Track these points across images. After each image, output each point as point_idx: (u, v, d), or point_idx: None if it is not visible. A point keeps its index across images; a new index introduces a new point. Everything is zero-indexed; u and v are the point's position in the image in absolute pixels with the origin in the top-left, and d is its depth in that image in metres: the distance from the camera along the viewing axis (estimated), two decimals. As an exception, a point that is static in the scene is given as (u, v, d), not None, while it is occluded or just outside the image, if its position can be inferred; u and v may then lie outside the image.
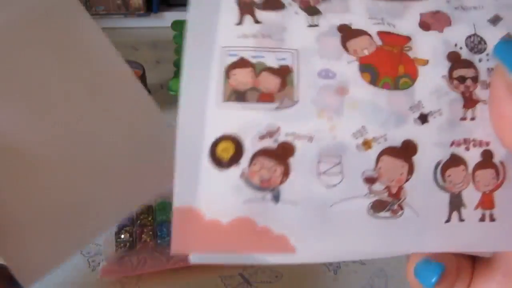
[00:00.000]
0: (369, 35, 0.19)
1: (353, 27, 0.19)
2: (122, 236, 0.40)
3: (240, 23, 0.18)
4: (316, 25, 0.19)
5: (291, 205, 0.18)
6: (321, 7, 0.19)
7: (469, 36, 0.19)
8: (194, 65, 0.18)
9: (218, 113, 0.18)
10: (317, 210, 0.18)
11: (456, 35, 0.19)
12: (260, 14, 0.19)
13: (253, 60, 0.18)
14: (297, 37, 0.19)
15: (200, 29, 0.18)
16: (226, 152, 0.17)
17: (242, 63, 0.18)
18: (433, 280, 0.18)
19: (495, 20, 0.19)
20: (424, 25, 0.19)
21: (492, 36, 0.19)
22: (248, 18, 0.19)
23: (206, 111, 0.17)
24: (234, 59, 0.18)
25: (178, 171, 0.17)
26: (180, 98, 0.17)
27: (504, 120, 0.17)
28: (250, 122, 0.18)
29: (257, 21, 0.19)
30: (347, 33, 0.19)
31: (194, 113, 0.18)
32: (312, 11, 0.19)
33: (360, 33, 0.19)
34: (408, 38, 0.19)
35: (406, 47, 0.19)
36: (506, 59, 0.17)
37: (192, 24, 0.18)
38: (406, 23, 0.19)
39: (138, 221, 0.40)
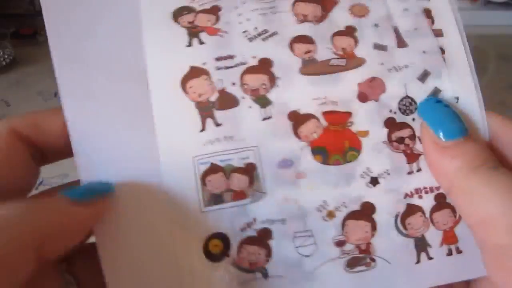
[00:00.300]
0: (316, 118, 0.21)
1: (301, 112, 0.21)
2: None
3: (203, 129, 0.21)
4: (269, 117, 0.21)
5: (279, 279, 0.20)
6: (271, 95, 0.21)
7: (401, 99, 0.22)
8: (173, 176, 0.20)
9: (203, 217, 0.20)
10: (303, 277, 0.21)
11: (390, 101, 0.22)
12: (219, 115, 0.21)
13: (222, 164, 0.21)
14: (255, 134, 0.21)
15: (171, 140, 0.21)
16: (217, 248, 0.20)
17: (213, 169, 0.21)
18: None
19: (423, 76, 0.22)
20: (362, 97, 0.22)
21: (420, 94, 0.22)
22: (209, 122, 0.21)
23: (192, 217, 0.20)
24: (206, 167, 0.21)
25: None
26: (169, 205, 0.20)
27: (436, 170, 0.19)
28: (230, 219, 0.20)
29: (217, 124, 0.21)
30: (297, 120, 0.21)
31: (182, 220, 0.20)
32: (264, 102, 0.21)
33: (308, 117, 0.21)
34: (349, 114, 0.21)
35: (349, 122, 0.21)
36: (427, 118, 0.20)
37: (163, 135, 0.20)
38: (347, 98, 0.21)
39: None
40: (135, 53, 0.21)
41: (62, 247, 0.17)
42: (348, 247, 0.21)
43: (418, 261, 0.21)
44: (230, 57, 0.22)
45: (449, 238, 0.22)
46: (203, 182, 0.20)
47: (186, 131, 0.21)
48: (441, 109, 0.20)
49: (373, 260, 0.21)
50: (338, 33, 0.22)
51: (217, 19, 0.22)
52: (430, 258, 0.22)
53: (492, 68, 0.72)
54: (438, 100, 0.21)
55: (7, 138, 0.17)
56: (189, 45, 0.22)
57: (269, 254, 0.21)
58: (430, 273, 0.21)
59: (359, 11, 0.22)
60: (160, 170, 0.20)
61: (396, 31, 0.22)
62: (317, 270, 0.21)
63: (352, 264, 0.21)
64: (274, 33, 0.22)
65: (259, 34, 0.22)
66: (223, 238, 0.20)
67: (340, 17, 0.22)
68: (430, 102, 0.21)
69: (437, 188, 0.21)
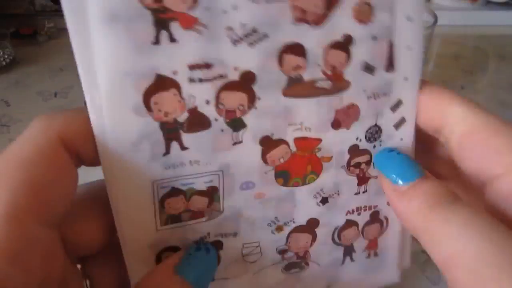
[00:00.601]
0: (287, 143, 0.20)
1: (274, 137, 0.20)
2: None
3: (167, 152, 0.18)
4: (240, 142, 0.19)
5: (232, 279, 0.23)
6: (247, 117, 0.19)
7: (369, 128, 0.21)
8: (129, 200, 0.19)
9: (158, 235, 0.20)
10: (251, 278, 0.23)
11: (359, 130, 0.21)
12: (186, 138, 0.18)
13: (184, 188, 0.19)
14: (222, 159, 0.19)
15: (129, 164, 0.18)
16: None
17: (174, 193, 0.19)
18: None
19: (396, 106, 0.21)
20: (336, 124, 0.21)
21: (388, 123, 0.22)
22: (174, 145, 0.18)
23: (147, 235, 0.20)
24: (166, 190, 0.19)
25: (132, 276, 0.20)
26: (122, 225, 0.19)
27: (399, 215, 0.20)
28: (184, 235, 0.21)
29: (183, 148, 0.19)
30: (267, 146, 0.20)
31: (138, 237, 0.20)
32: (237, 125, 0.19)
33: (279, 143, 0.20)
34: (319, 140, 0.21)
35: (317, 149, 0.21)
36: (383, 168, 0.21)
37: (121, 161, 0.18)
38: (321, 124, 0.21)
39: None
40: (84, 52, 0.16)
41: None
42: (289, 254, 0.23)
43: (342, 263, 0.25)
44: (208, 66, 0.17)
45: (371, 245, 0.25)
46: (162, 205, 0.19)
47: (146, 154, 0.18)
48: (393, 157, 0.21)
49: (307, 264, 0.24)
50: (334, 46, 0.19)
51: (194, 1, 0.17)
52: (352, 261, 0.25)
53: (492, 68, 0.72)
54: (390, 149, 0.21)
55: (55, 147, 0.17)
56: (156, 41, 0.16)
57: (218, 261, 0.22)
58: (349, 271, 0.25)
59: (364, 14, 0.19)
60: (116, 194, 0.18)
61: (390, 48, 0.20)
62: (261, 271, 0.23)
63: (288, 267, 0.24)
64: (265, 36, 0.18)
65: (246, 36, 0.18)
66: (176, 250, 0.21)
67: (341, 20, 0.19)
68: (383, 153, 0.21)
69: (375, 207, 0.24)
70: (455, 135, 0.19)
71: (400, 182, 0.19)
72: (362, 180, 0.23)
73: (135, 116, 0.17)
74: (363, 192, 0.23)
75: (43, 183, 0.16)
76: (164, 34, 0.16)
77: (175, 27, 0.16)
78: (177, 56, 0.17)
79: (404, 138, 0.22)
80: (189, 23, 0.17)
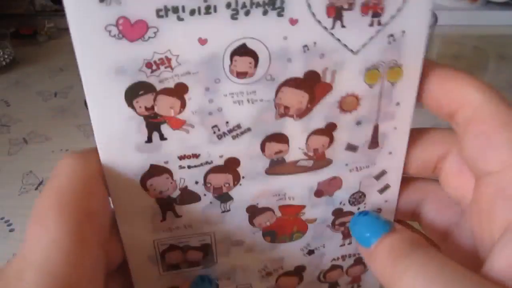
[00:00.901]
0: (272, 210, 0.22)
1: (259, 206, 0.22)
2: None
3: (164, 219, 0.21)
4: (228, 210, 0.22)
5: None
6: (233, 192, 0.21)
7: (353, 194, 0.23)
8: (136, 254, 0.22)
9: (161, 277, 0.23)
10: None
11: (343, 196, 0.23)
12: (179, 208, 0.21)
13: (180, 245, 0.22)
14: (213, 223, 0.22)
15: (133, 229, 0.21)
16: None
17: (172, 248, 0.22)
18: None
19: (380, 175, 0.22)
20: (318, 193, 0.22)
21: (372, 189, 0.23)
22: (169, 214, 0.21)
23: (153, 277, 0.23)
24: (165, 247, 0.22)
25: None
26: (133, 269, 0.22)
27: (376, 275, 0.20)
28: (185, 277, 0.23)
29: (177, 215, 0.21)
30: (253, 213, 0.22)
31: (145, 279, 0.23)
32: (225, 198, 0.21)
33: (264, 210, 0.22)
34: (303, 207, 0.23)
35: (301, 213, 0.23)
36: (354, 235, 0.22)
37: (123, 223, 0.21)
38: (304, 195, 0.22)
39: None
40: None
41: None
42: None
43: None
44: (195, 156, 0.20)
45: (355, 279, 0.26)
46: (163, 257, 0.23)
47: (147, 220, 0.21)
48: (360, 220, 0.21)
49: None
50: (316, 132, 0.20)
51: (183, 105, 0.18)
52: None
53: (492, 68, 0.72)
54: (359, 213, 0.22)
55: (98, 180, 0.19)
56: (149, 141, 0.19)
57: None
58: None
59: (349, 105, 0.20)
60: (129, 250, 0.22)
61: (375, 130, 0.21)
62: None
63: None
64: (248, 130, 0.19)
65: (230, 131, 0.19)
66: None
67: (325, 111, 0.20)
68: (353, 219, 0.22)
69: (358, 254, 0.25)
70: (462, 122, 0.18)
71: (367, 244, 0.20)
72: (347, 235, 0.24)
73: (136, 195, 0.20)
74: (348, 244, 0.24)
75: (96, 211, 0.18)
76: (155, 135, 0.19)
77: (165, 128, 0.19)
78: (167, 150, 0.19)
79: (389, 200, 0.23)
80: (178, 125, 0.19)
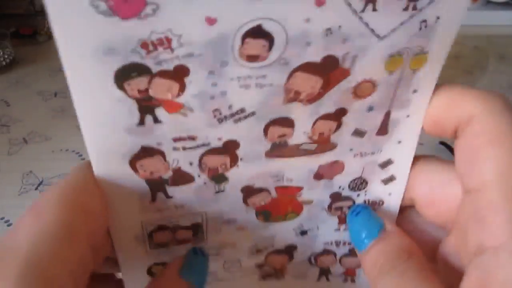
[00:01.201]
0: (268, 191, 0.21)
1: (255, 186, 0.21)
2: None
3: (153, 200, 0.20)
4: (222, 191, 0.20)
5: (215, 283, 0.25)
6: (229, 173, 0.20)
7: (354, 180, 0.21)
8: (123, 231, 0.21)
9: (148, 253, 0.22)
10: (230, 285, 0.25)
11: (342, 181, 0.21)
12: (170, 189, 0.20)
13: (170, 224, 0.21)
14: (205, 203, 0.21)
15: (121, 209, 0.20)
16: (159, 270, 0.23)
17: (160, 229, 0.21)
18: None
19: (385, 164, 0.21)
20: (318, 176, 0.21)
21: (376, 177, 0.21)
22: (160, 195, 0.20)
23: (140, 255, 0.22)
24: (153, 227, 0.21)
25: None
26: (118, 246, 0.21)
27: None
28: (173, 254, 0.22)
29: (168, 196, 0.20)
30: (248, 193, 0.21)
31: (132, 256, 0.22)
32: (220, 179, 0.20)
33: (260, 190, 0.21)
34: (300, 188, 0.21)
35: (297, 194, 0.22)
36: (350, 234, 0.22)
37: (112, 204, 0.19)
38: (303, 177, 0.21)
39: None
40: None
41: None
42: (266, 268, 0.25)
43: (318, 280, 0.26)
44: (192, 138, 0.18)
45: (349, 272, 0.25)
46: (150, 236, 0.21)
47: (134, 201, 0.20)
48: (354, 220, 0.21)
49: (283, 276, 0.25)
50: (324, 117, 0.19)
51: (182, 88, 0.16)
52: (328, 280, 0.25)
53: (492, 68, 0.72)
54: (356, 212, 0.22)
55: (94, 186, 0.19)
56: (141, 123, 0.17)
57: None
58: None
59: (364, 91, 0.18)
60: (113, 224, 0.20)
61: (386, 116, 0.19)
62: (237, 280, 0.25)
63: (265, 277, 0.25)
64: (252, 114, 0.18)
65: (232, 115, 0.18)
66: (163, 264, 0.23)
67: (336, 97, 0.18)
68: (348, 217, 0.22)
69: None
70: (458, 136, 0.18)
71: (359, 247, 0.20)
72: (343, 220, 0.23)
73: (124, 175, 0.19)
74: (344, 230, 0.23)
75: (93, 211, 0.18)
76: (148, 118, 0.17)
77: (160, 111, 0.17)
78: (160, 132, 0.18)
79: (393, 194, 0.21)
80: (175, 108, 0.17)
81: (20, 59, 0.73)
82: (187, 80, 0.16)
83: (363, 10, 0.16)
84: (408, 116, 0.19)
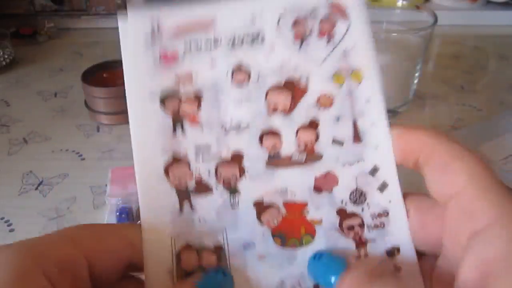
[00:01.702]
0: (277, 207, 0.25)
1: (264, 201, 0.25)
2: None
3: (181, 210, 0.24)
4: (237, 204, 0.25)
5: None
6: (240, 184, 0.25)
7: (352, 192, 0.25)
8: (153, 252, 0.24)
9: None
10: None
11: (342, 193, 0.25)
12: (195, 199, 0.25)
13: (196, 244, 0.24)
14: (225, 220, 0.25)
15: (153, 221, 0.24)
16: None
17: (188, 247, 0.24)
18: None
19: (373, 171, 0.25)
20: (317, 188, 0.25)
21: (371, 187, 0.25)
22: (186, 205, 0.25)
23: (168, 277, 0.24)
24: (182, 244, 0.24)
25: None
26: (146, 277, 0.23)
27: None
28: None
29: (192, 207, 0.25)
30: (260, 208, 0.25)
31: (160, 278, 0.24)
32: (233, 191, 0.25)
33: (270, 206, 0.25)
34: (305, 204, 0.25)
35: (305, 211, 0.25)
36: (315, 278, 0.23)
37: (145, 218, 0.24)
38: (304, 190, 0.25)
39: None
40: None
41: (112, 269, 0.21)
42: None
43: None
44: (207, 147, 0.25)
45: None
46: (178, 258, 0.24)
47: (166, 213, 0.24)
48: (315, 264, 0.23)
49: None
50: (303, 127, 0.25)
51: (199, 106, 0.26)
52: None
53: (492, 68, 0.72)
54: (318, 256, 0.23)
55: (34, 275, 0.19)
56: (174, 130, 0.25)
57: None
58: None
59: (324, 101, 0.25)
60: (146, 246, 0.24)
61: (354, 125, 0.25)
62: None
63: None
64: (247, 126, 0.25)
65: (233, 128, 0.25)
66: None
67: (306, 108, 0.25)
68: (310, 264, 0.23)
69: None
70: (422, 161, 0.22)
71: (329, 285, 0.21)
72: (360, 243, 0.24)
73: (161, 186, 0.24)
74: (365, 256, 0.24)
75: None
76: (178, 126, 0.25)
77: (186, 123, 0.25)
78: (186, 142, 0.25)
79: (392, 200, 0.24)
80: (195, 122, 0.25)
81: (20, 59, 0.73)
82: (202, 103, 0.25)
83: (299, 48, 0.26)
84: (373, 123, 0.25)
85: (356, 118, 0.25)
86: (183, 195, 0.25)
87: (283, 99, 0.26)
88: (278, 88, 0.26)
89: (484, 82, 0.67)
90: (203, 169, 0.25)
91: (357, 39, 0.26)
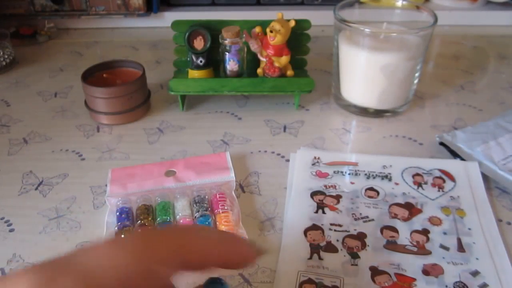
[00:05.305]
0: (389, 274, 0.34)
1: (379, 268, 0.34)
2: (122, 235, 0.40)
3: (310, 258, 0.36)
4: (356, 265, 0.35)
5: None
6: (361, 253, 0.35)
7: (456, 282, 0.33)
8: (282, 281, 0.34)
9: None
10: None
11: (448, 280, 0.33)
12: (323, 253, 0.36)
13: (316, 280, 0.34)
14: (344, 271, 0.34)
15: (288, 259, 0.36)
16: None
17: (309, 281, 0.34)
18: None
19: (475, 273, 0.33)
20: (425, 272, 0.34)
21: (473, 284, 0.33)
22: (315, 255, 0.36)
23: None
24: (305, 278, 0.34)
25: None
26: None
27: None
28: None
29: (320, 258, 0.36)
30: (374, 272, 0.34)
31: None
32: (354, 255, 0.36)
33: (384, 272, 0.34)
34: (414, 279, 0.34)
35: (413, 283, 0.33)
36: None
37: (283, 258, 0.36)
38: (414, 270, 0.34)
39: (139, 221, 0.40)
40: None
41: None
42: None
43: None
44: (339, 225, 0.38)
45: None
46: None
47: (299, 256, 0.36)
48: None
49: None
50: (416, 231, 0.37)
51: (338, 202, 0.41)
52: None
53: (492, 68, 0.71)
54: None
55: None
56: (316, 212, 0.40)
57: None
58: None
59: (435, 221, 0.39)
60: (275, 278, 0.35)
61: (458, 240, 0.36)
62: None
63: None
64: (372, 220, 0.39)
65: (362, 218, 0.39)
66: None
67: (420, 222, 0.38)
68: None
69: None
70: None
71: None
72: None
73: (297, 239, 0.36)
74: None
75: None
76: (320, 210, 0.40)
77: (326, 209, 0.40)
78: (325, 219, 0.39)
79: None
80: (334, 209, 0.40)
81: (20, 59, 0.72)
82: (340, 199, 0.41)
83: (417, 189, 0.43)
84: (474, 243, 0.36)
85: (460, 236, 0.37)
86: (315, 248, 0.36)
87: (402, 212, 0.39)
88: (399, 204, 0.40)
89: (484, 82, 0.67)
90: (333, 236, 0.37)
91: (461, 193, 0.41)
